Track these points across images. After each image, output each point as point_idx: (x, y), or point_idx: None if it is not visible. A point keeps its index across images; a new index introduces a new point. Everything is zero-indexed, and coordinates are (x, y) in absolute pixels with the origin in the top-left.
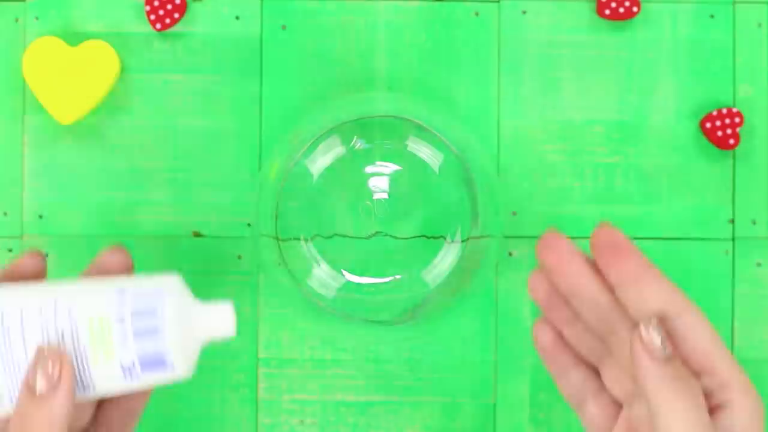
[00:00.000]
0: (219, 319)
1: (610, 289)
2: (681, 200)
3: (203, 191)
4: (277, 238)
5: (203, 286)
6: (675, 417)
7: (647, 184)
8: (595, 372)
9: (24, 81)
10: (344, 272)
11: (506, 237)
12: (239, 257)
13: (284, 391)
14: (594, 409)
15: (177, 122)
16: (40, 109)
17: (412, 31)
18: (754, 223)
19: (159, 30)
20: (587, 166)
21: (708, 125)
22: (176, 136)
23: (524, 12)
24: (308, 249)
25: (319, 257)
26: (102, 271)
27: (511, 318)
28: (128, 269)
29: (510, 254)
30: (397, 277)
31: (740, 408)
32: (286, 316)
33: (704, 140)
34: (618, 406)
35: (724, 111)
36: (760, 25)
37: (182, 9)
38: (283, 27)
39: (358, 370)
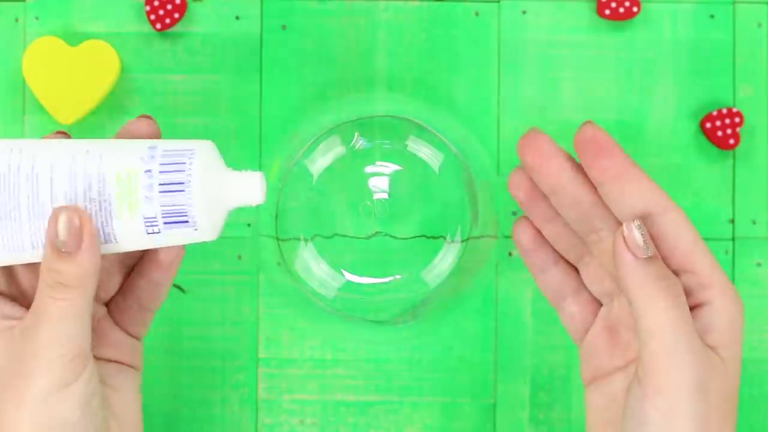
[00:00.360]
0: (247, 186)
1: (592, 188)
2: (681, 200)
3: None
4: (277, 238)
5: (203, 286)
6: (658, 315)
7: None
8: (575, 270)
9: (24, 81)
10: (344, 272)
11: (506, 237)
12: (239, 257)
13: (284, 391)
14: (573, 307)
15: (177, 122)
16: (40, 109)
17: (412, 31)
18: (754, 223)
19: (159, 30)
20: None
21: (708, 125)
22: (176, 136)
23: (524, 12)
24: (308, 249)
25: (319, 257)
26: (130, 136)
27: (511, 318)
28: (156, 136)
29: (510, 254)
30: (397, 277)
31: (720, 307)
32: (286, 316)
33: (704, 140)
34: (597, 304)
35: (724, 111)
36: (760, 25)
37: (182, 9)
38: (283, 27)
39: (358, 370)
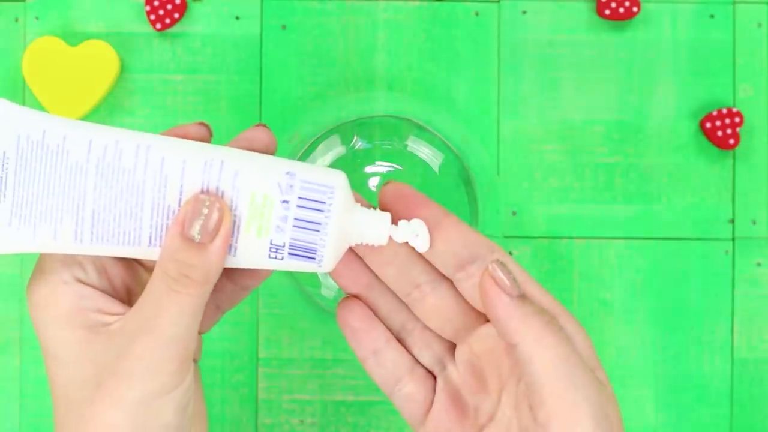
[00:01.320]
0: (375, 227)
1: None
2: (681, 200)
3: None
4: None
5: None
6: (549, 354)
7: (647, 184)
8: (403, 346)
9: (24, 81)
10: None
11: (506, 237)
12: None
13: (284, 391)
14: (410, 386)
15: (177, 122)
16: (40, 109)
17: (412, 30)
18: (754, 223)
19: (159, 30)
20: (587, 166)
21: (708, 125)
22: None
23: (524, 12)
24: None
25: None
26: (248, 146)
27: None
28: (273, 146)
29: (510, 253)
30: None
31: (575, 333)
32: (286, 316)
33: (704, 140)
34: (432, 378)
35: (724, 111)
36: (760, 25)
37: (182, 9)
38: (283, 27)
39: (358, 370)
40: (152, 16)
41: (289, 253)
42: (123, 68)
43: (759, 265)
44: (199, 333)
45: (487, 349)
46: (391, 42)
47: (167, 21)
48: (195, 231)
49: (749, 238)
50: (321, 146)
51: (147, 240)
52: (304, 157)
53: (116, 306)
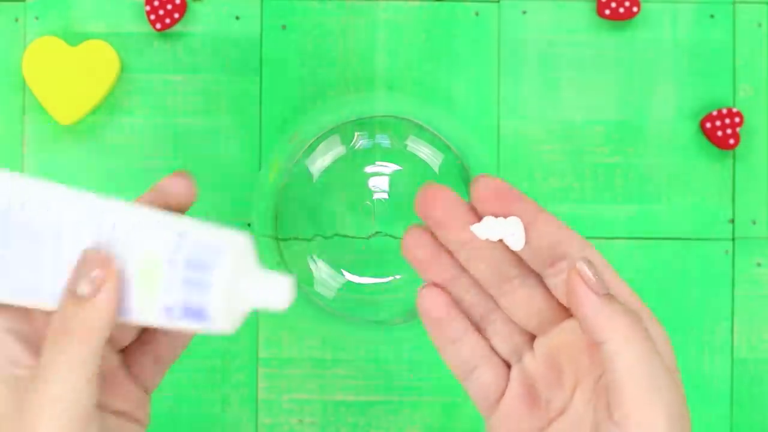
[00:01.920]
0: (274, 291)
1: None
2: (681, 200)
3: (203, 191)
4: (277, 238)
5: None
6: (633, 354)
7: (647, 184)
8: (482, 335)
9: (24, 81)
10: (344, 272)
11: None
12: None
13: (284, 391)
14: (486, 375)
15: (177, 122)
16: (40, 109)
17: (412, 31)
18: (754, 223)
19: (159, 30)
20: (587, 166)
21: (708, 125)
22: (176, 136)
23: (524, 12)
24: (308, 249)
25: (319, 257)
26: (162, 197)
27: None
28: (191, 198)
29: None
30: (397, 277)
31: (656, 331)
32: (286, 316)
33: (704, 140)
34: (507, 367)
35: (724, 111)
36: (760, 25)
37: (182, 9)
38: (283, 27)
39: (358, 370)
40: (152, 16)
41: (182, 315)
42: (123, 68)
43: (759, 265)
44: (146, 391)
45: (567, 343)
46: (391, 42)
47: (167, 21)
48: (80, 286)
49: (749, 238)
50: (321, 146)
51: (48, 295)
52: (304, 157)
53: (29, 358)
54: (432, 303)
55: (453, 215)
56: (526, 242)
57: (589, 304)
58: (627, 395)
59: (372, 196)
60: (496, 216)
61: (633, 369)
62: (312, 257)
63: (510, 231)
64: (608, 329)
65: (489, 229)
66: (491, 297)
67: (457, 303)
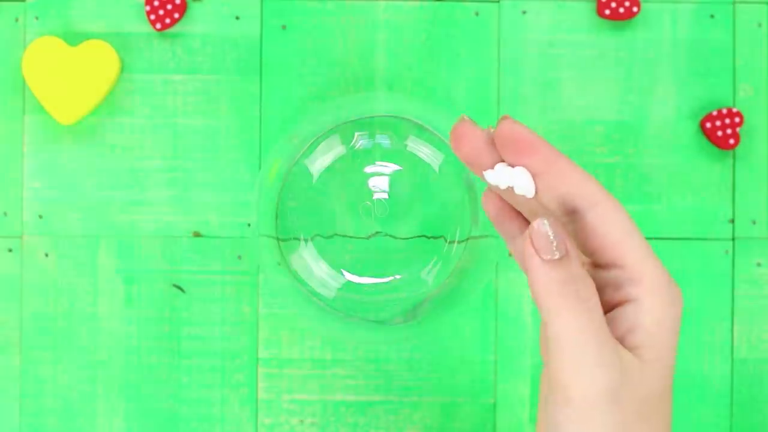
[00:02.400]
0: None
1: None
2: (681, 200)
3: (203, 191)
4: (277, 238)
5: (203, 286)
6: (563, 324)
7: (647, 184)
8: None
9: (24, 81)
10: (344, 272)
11: None
12: (239, 257)
13: (284, 391)
14: None
15: (177, 122)
16: (40, 109)
17: (412, 30)
18: (754, 223)
19: (159, 30)
20: (587, 166)
21: (708, 125)
22: (176, 136)
23: (524, 12)
24: (308, 249)
25: (319, 257)
26: None
27: (511, 318)
28: None
29: (510, 254)
30: (397, 277)
31: (647, 306)
32: (286, 316)
33: (704, 140)
34: None
35: (724, 111)
36: (760, 25)
37: (182, 9)
38: (283, 27)
39: (358, 370)
40: (152, 16)
41: None
42: (123, 68)
43: (759, 265)
44: None
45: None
46: (391, 42)
47: (167, 21)
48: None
49: (749, 238)
50: (321, 146)
51: None
52: (304, 157)
53: None
54: (486, 205)
55: (479, 155)
56: (541, 194)
57: (530, 268)
58: (553, 365)
59: (372, 196)
60: (510, 163)
61: (560, 340)
62: (312, 257)
63: (516, 180)
64: (544, 297)
65: (498, 176)
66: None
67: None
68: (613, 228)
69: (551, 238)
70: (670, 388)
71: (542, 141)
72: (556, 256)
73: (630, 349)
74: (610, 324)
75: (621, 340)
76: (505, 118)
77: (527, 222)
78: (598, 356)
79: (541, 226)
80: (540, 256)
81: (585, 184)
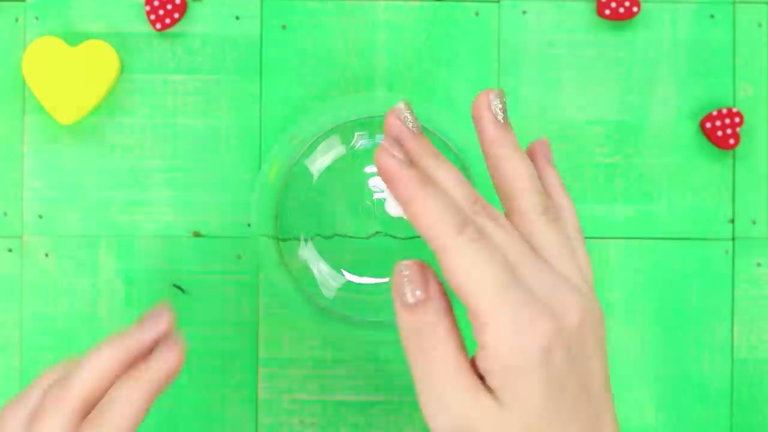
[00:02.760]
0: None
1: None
2: (681, 200)
3: (203, 191)
4: (277, 238)
5: (203, 286)
6: (414, 366)
7: (647, 184)
8: None
9: (24, 81)
10: (344, 272)
11: None
12: (239, 257)
13: (284, 391)
14: None
15: (177, 122)
16: (40, 109)
17: (412, 30)
18: (754, 223)
19: (159, 30)
20: (587, 166)
21: (708, 125)
22: (176, 136)
23: (524, 12)
24: (308, 249)
25: (319, 257)
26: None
27: None
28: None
29: None
30: None
31: (492, 354)
32: (286, 316)
33: (704, 140)
34: None
35: (724, 111)
36: (760, 25)
37: (182, 9)
38: (283, 27)
39: (358, 370)
40: (152, 16)
41: None
42: (123, 68)
43: (759, 265)
44: None
45: None
46: (391, 42)
47: (167, 21)
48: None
49: (749, 238)
50: (321, 146)
51: None
52: (304, 157)
53: None
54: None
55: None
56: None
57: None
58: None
59: (372, 196)
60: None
61: (417, 378)
62: (312, 257)
63: (388, 200)
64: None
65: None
66: None
67: None
68: (454, 276)
69: (406, 283)
70: (533, 427)
71: (407, 172)
72: (410, 302)
73: (491, 390)
74: (478, 363)
75: (484, 380)
76: (392, 111)
77: None
78: (443, 400)
79: (402, 270)
80: (399, 300)
81: (432, 228)
